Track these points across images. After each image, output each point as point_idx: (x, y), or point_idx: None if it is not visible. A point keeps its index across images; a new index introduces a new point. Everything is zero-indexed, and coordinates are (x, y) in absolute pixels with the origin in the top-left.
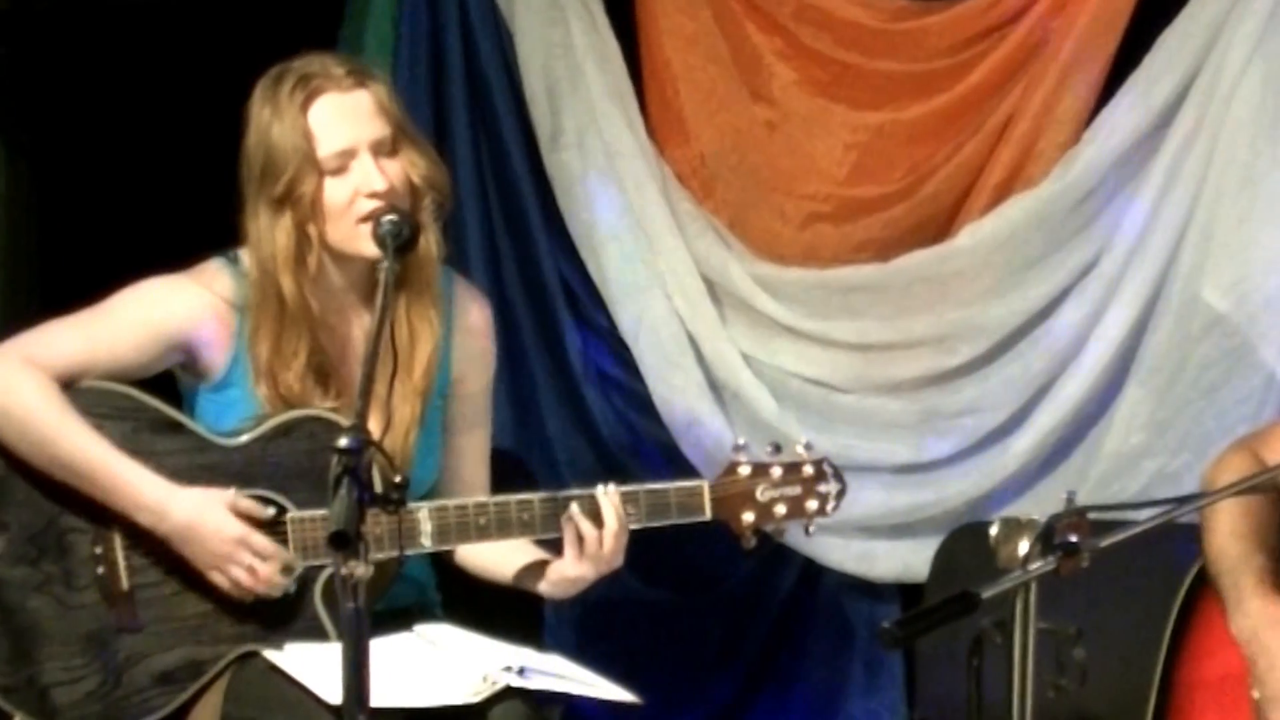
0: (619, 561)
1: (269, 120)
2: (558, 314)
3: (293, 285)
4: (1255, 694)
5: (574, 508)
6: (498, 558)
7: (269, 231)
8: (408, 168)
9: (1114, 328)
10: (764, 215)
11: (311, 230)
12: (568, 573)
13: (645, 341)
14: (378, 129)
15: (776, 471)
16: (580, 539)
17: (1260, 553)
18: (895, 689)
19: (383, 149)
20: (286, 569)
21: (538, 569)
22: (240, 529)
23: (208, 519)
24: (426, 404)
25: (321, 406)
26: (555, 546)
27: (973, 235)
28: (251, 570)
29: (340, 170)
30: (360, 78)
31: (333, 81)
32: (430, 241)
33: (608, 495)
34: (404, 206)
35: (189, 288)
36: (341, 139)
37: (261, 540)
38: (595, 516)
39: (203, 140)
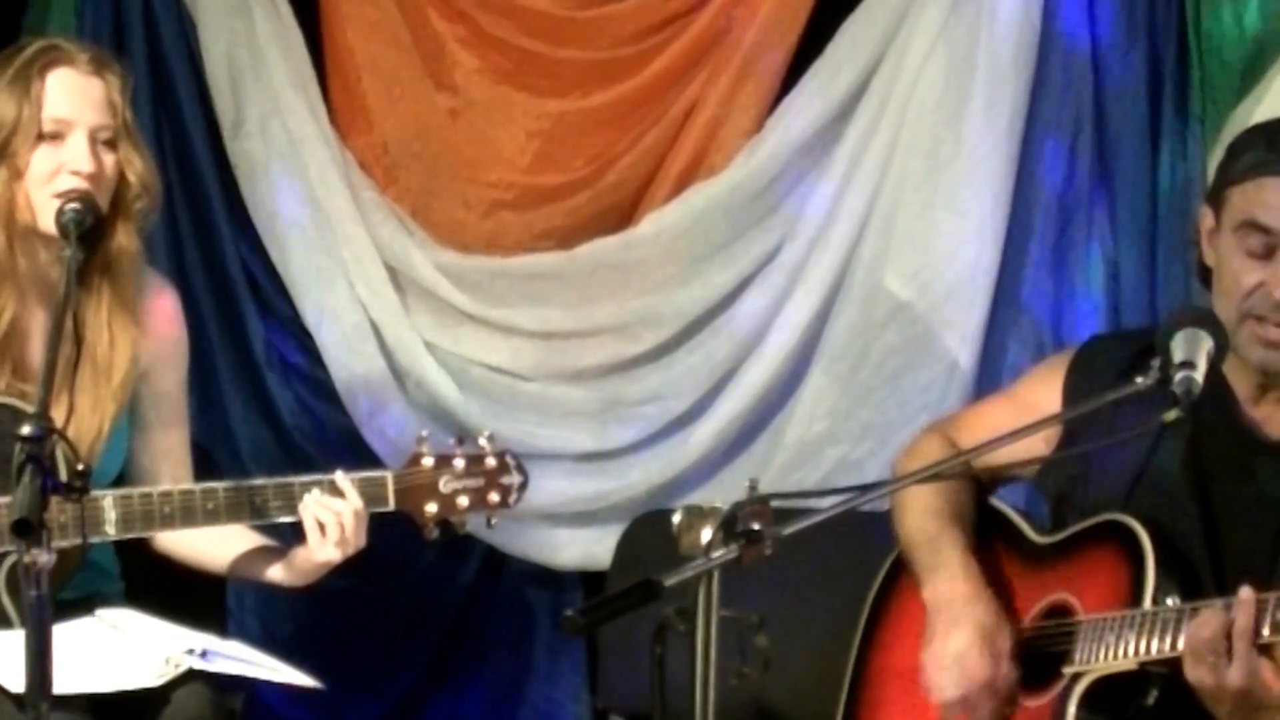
0: (362, 542)
1: (5, 81)
2: (240, 302)
3: (3, 239)
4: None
5: (307, 500)
6: (213, 547)
7: None
8: (123, 164)
9: (797, 315)
10: (447, 203)
11: (18, 191)
12: (314, 559)
13: (328, 329)
14: (102, 117)
15: (459, 463)
16: (322, 526)
17: (956, 527)
18: (578, 676)
19: (101, 137)
20: None
21: (266, 556)
22: None
23: None
24: (122, 408)
25: None
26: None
27: (655, 223)
28: None
29: (55, 139)
30: (99, 67)
31: (74, 61)
32: (133, 247)
33: (344, 480)
34: (101, 200)
35: None
36: (65, 109)
37: None
38: (334, 501)
39: None
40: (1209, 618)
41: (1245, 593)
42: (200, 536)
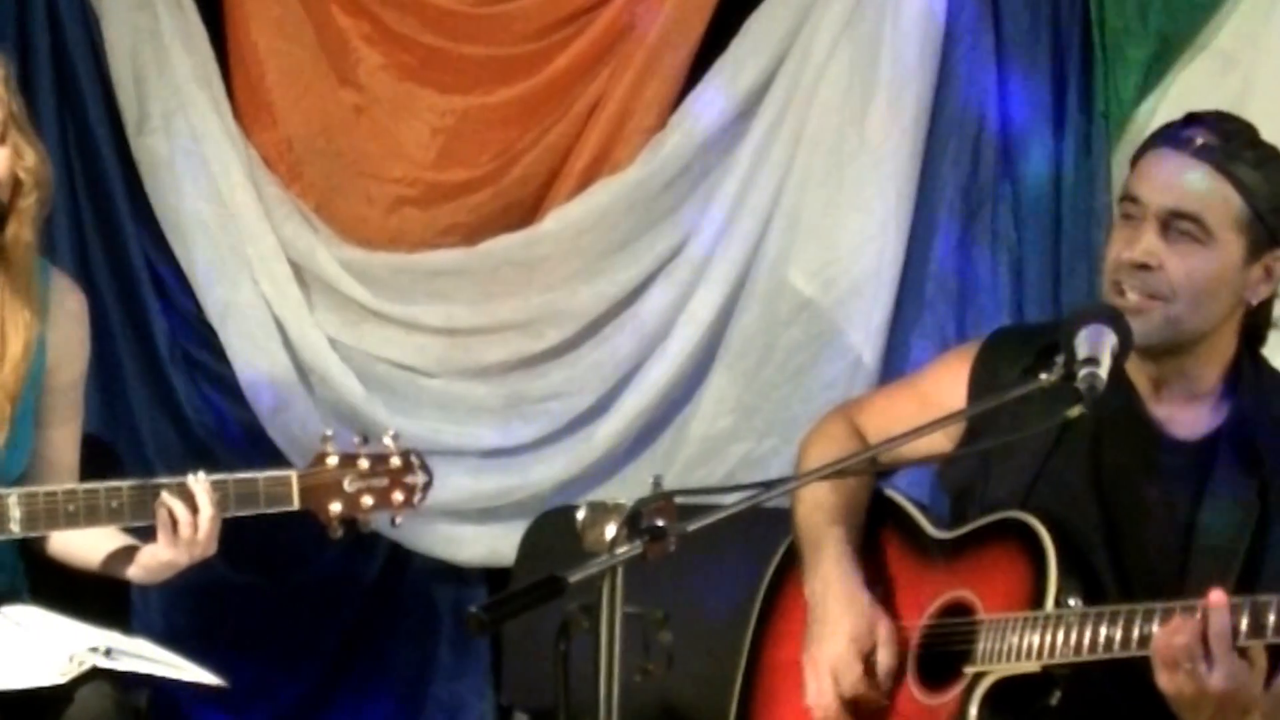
0: (213, 548)
1: None
2: (144, 298)
3: None
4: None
5: (165, 494)
6: (86, 545)
7: None
8: (13, 157)
9: (701, 311)
10: (351, 199)
11: None
12: (160, 557)
13: (232, 326)
14: None
15: (364, 462)
16: (173, 524)
17: (840, 524)
18: (482, 673)
19: None
20: None
21: (127, 554)
22: None
23: None
24: (17, 402)
25: None
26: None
27: (559, 219)
28: None
29: None
30: None
31: None
32: (27, 238)
33: (199, 482)
34: None
35: None
36: None
37: None
38: (189, 502)
39: None
40: (1180, 624)
41: (1217, 596)
42: (79, 535)
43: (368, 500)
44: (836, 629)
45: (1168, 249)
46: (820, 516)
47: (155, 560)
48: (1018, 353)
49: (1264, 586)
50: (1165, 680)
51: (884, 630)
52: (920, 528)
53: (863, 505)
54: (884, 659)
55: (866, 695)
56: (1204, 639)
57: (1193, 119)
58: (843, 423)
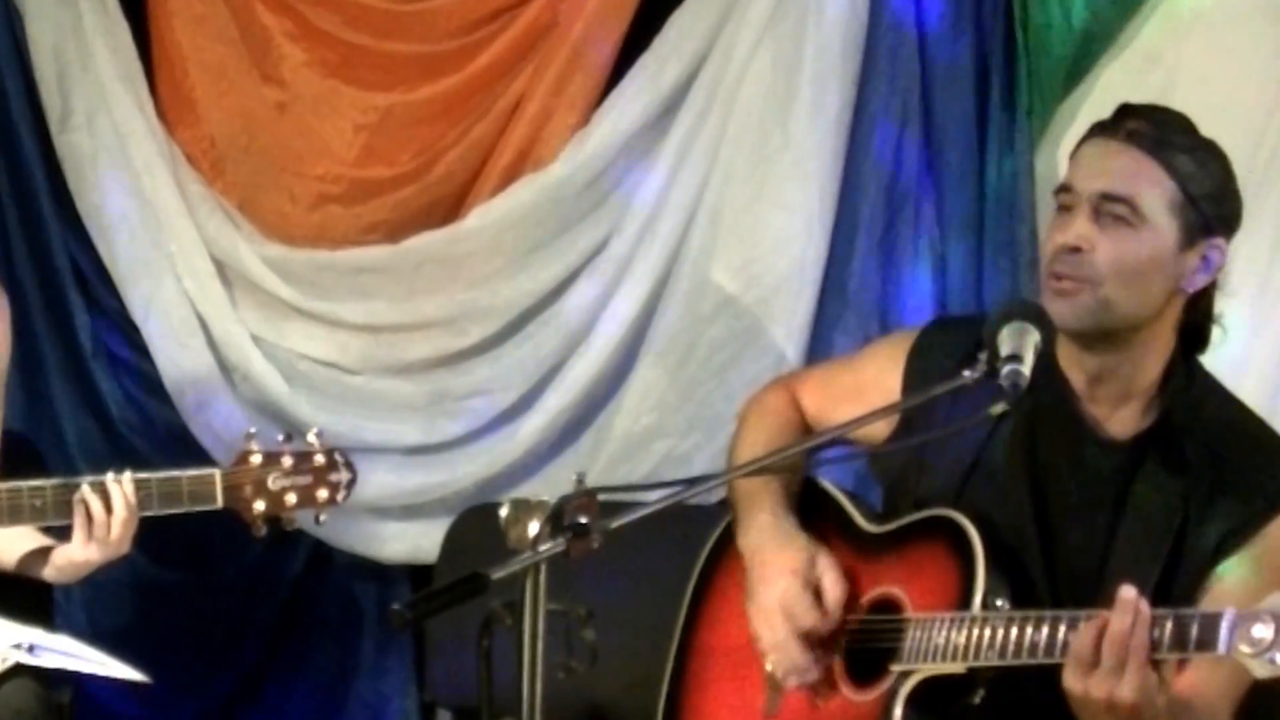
0: (126, 548)
1: None
2: (67, 295)
3: None
4: (769, 665)
5: (85, 490)
6: (2, 545)
7: None
8: None
9: (624, 309)
10: (274, 197)
11: None
12: (75, 556)
13: (155, 323)
14: None
15: (288, 460)
16: (90, 522)
17: (775, 480)
18: (405, 670)
19: None
20: None
21: (42, 555)
22: None
23: None
24: None
25: None
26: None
27: (483, 216)
28: None
29: None
30: None
31: None
32: None
33: (119, 482)
34: None
35: None
36: None
37: None
38: (106, 501)
39: None
40: (1096, 624)
41: (1127, 591)
42: None
43: (291, 498)
44: (777, 568)
45: (1100, 233)
46: (757, 477)
47: (68, 560)
48: (953, 344)
49: (1179, 594)
50: (1073, 681)
51: (825, 560)
52: (852, 520)
53: (799, 468)
54: (830, 586)
55: (819, 629)
56: (1120, 644)
57: (1126, 110)
58: (783, 395)
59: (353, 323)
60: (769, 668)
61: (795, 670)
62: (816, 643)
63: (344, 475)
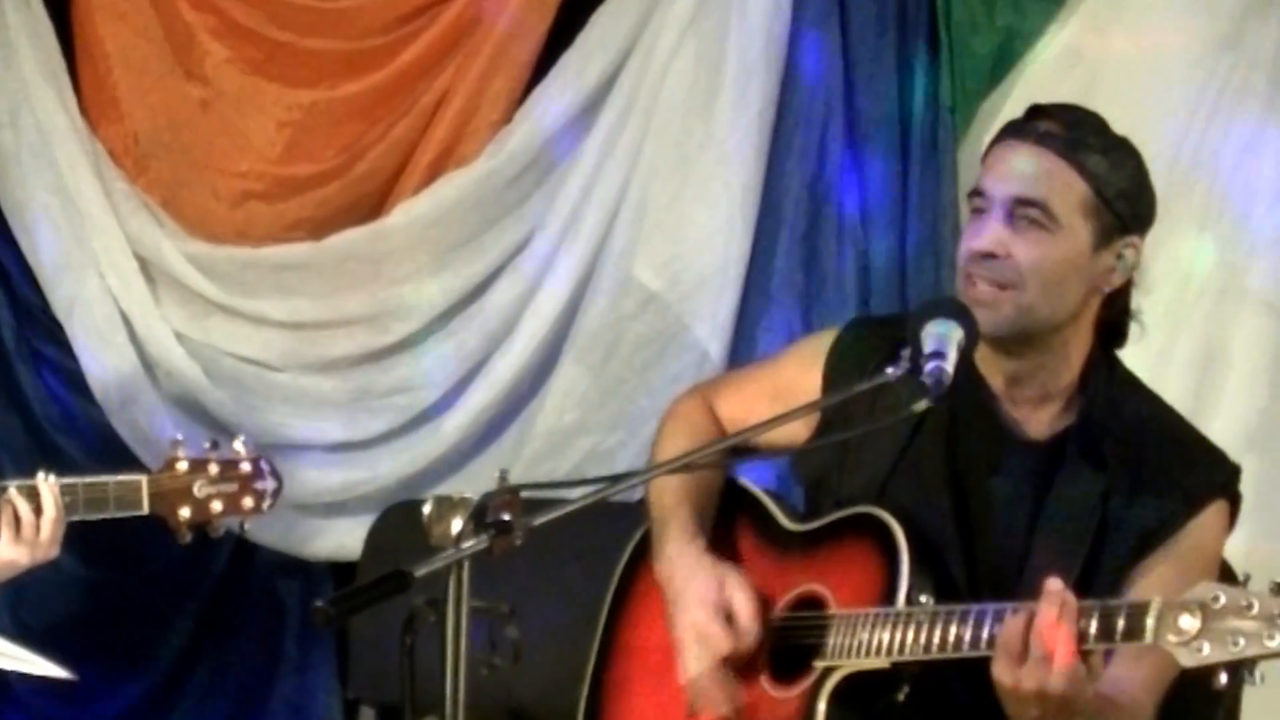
0: (55, 551)
1: None
2: None
3: None
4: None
5: (12, 492)
6: None
7: None
8: None
9: (547, 306)
10: (197, 194)
11: None
12: (1, 557)
13: (78, 320)
14: None
15: (214, 468)
16: (18, 523)
17: (686, 503)
18: (328, 667)
19: None
20: None
21: None
22: None
23: None
24: None
25: None
26: None
27: (406, 213)
28: None
29: None
30: None
31: None
32: None
33: (47, 485)
34: None
35: None
36: None
37: None
38: (35, 503)
39: None
40: (1023, 616)
41: (1054, 583)
42: None
43: (217, 505)
44: (687, 599)
45: (1014, 237)
46: (668, 499)
47: None
48: (873, 343)
49: (1099, 590)
50: (1003, 673)
51: (733, 581)
52: (774, 519)
53: (714, 487)
54: (740, 607)
55: (737, 652)
56: (1051, 635)
57: (1038, 110)
58: (699, 404)
59: (276, 320)
60: (689, 699)
61: (711, 704)
62: (737, 661)
63: (270, 484)
